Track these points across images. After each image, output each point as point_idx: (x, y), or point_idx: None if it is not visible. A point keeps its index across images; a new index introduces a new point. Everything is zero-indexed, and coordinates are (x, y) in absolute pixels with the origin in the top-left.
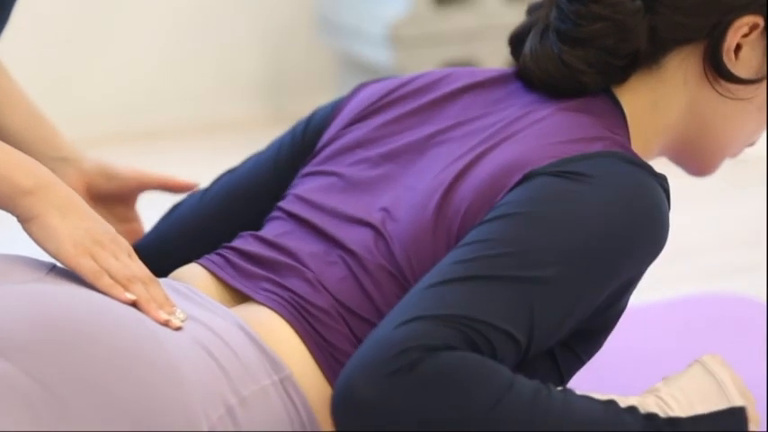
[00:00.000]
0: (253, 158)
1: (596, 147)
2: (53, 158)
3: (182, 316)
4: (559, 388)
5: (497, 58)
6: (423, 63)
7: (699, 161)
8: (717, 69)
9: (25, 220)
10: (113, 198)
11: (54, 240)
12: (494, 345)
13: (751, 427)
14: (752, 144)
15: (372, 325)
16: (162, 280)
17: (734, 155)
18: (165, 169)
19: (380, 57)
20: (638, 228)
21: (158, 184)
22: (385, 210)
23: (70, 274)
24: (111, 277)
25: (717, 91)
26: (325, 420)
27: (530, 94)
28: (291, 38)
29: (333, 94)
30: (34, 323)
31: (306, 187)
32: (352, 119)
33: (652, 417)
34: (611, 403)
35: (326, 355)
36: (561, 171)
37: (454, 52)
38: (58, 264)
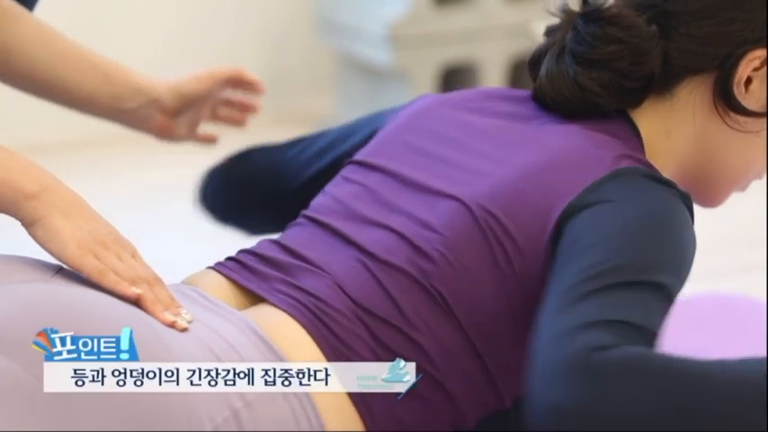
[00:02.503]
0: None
1: (624, 163)
2: (126, 111)
3: (188, 317)
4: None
5: (497, 58)
6: (423, 63)
7: (706, 192)
8: (727, 101)
9: (29, 224)
10: (191, 108)
11: (58, 242)
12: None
13: None
14: (759, 178)
15: (394, 327)
16: (170, 284)
17: (742, 188)
18: (164, 169)
19: (380, 57)
20: (688, 248)
21: (227, 79)
22: (414, 216)
23: (76, 277)
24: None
25: (725, 123)
26: (333, 424)
27: (549, 114)
28: (291, 38)
29: (333, 95)
30: (38, 321)
31: (337, 190)
32: (401, 124)
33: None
34: (729, 360)
35: (341, 358)
36: (592, 202)
37: (454, 52)
38: (65, 266)
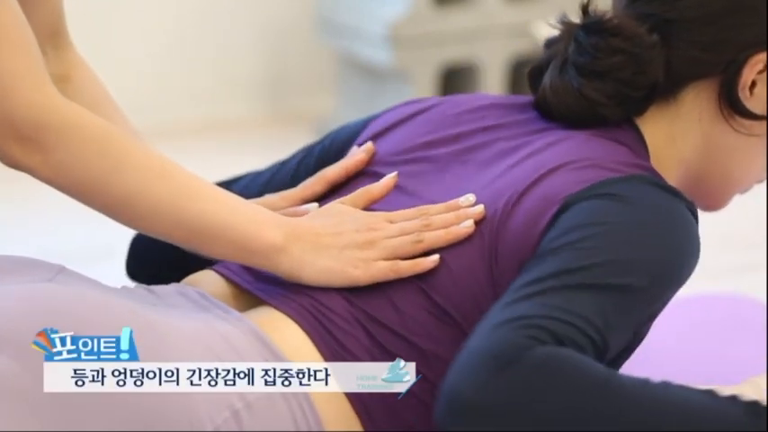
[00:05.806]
0: (277, 165)
1: (627, 171)
2: None
3: (472, 217)
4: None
5: (497, 58)
6: (423, 63)
7: (709, 197)
8: (732, 105)
9: (293, 276)
10: None
11: (336, 276)
12: (585, 349)
13: None
14: (760, 181)
15: (394, 333)
16: (172, 285)
17: (744, 191)
18: None
19: (380, 57)
20: (682, 255)
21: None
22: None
23: (77, 277)
24: (400, 256)
25: (732, 126)
26: (332, 425)
27: (553, 123)
28: (291, 38)
29: (333, 95)
30: (38, 321)
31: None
32: (379, 130)
33: (755, 403)
34: (710, 392)
35: (339, 359)
36: (598, 194)
37: (454, 52)
38: (66, 266)
